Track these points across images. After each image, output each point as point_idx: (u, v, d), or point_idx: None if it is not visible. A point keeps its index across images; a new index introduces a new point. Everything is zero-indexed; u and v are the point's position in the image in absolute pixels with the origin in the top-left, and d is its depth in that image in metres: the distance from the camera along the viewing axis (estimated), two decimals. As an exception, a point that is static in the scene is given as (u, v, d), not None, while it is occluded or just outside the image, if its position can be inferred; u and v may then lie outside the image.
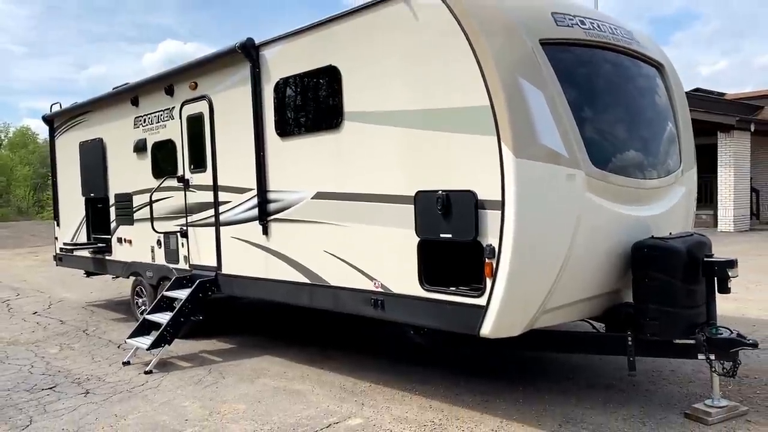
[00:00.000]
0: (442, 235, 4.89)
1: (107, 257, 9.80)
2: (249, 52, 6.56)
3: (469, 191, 4.68)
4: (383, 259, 5.42)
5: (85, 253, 10.36)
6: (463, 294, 4.81)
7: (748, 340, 4.72)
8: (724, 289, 4.81)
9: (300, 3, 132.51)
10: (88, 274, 11.22)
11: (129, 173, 9.01)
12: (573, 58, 5.04)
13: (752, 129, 19.85)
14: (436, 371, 6.36)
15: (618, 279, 5.13)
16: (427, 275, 5.08)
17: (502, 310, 4.57)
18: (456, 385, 5.89)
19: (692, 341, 4.79)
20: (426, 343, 6.23)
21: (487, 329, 4.65)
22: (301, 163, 6.20)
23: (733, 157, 19.64)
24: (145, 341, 7.11)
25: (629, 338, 4.97)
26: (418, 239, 5.06)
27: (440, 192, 4.85)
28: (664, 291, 4.77)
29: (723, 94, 27.51)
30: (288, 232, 6.39)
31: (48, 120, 11.26)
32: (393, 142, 5.27)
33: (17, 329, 9.59)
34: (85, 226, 10.33)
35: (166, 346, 7.11)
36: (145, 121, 8.60)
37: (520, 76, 4.54)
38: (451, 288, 4.92)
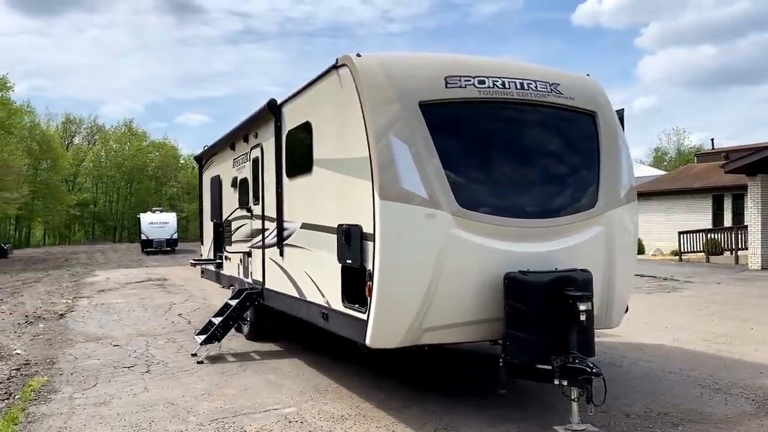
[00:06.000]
0: (347, 261, 5.99)
1: (220, 271, 12.02)
2: (273, 110, 8.17)
3: (358, 225, 5.75)
4: (327, 280, 6.61)
5: (212, 267, 12.73)
6: (358, 310, 5.85)
7: (593, 370, 5.10)
8: (576, 321, 5.23)
9: (521, 33, 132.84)
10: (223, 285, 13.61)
11: (229, 203, 11.13)
12: (455, 115, 5.84)
13: None
14: (385, 379, 7.41)
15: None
16: (347, 294, 6.17)
17: (376, 324, 5.54)
18: (388, 391, 6.85)
19: (549, 367, 5.29)
20: (368, 353, 7.21)
21: (368, 340, 5.64)
22: (296, 199, 7.62)
23: None
24: (203, 338, 8.98)
25: (500, 360, 5.58)
26: (340, 265, 6.19)
27: (344, 225, 5.97)
28: (520, 319, 5.36)
29: None
30: (291, 255, 7.82)
31: (198, 159, 14.01)
32: (332, 183, 6.48)
33: (156, 325, 12.18)
34: (212, 245, 12.73)
35: (217, 342, 8.90)
36: (237, 162, 10.65)
37: (391, 133, 5.53)
38: (355, 305, 5.96)
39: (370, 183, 5.53)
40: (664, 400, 6.34)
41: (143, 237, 42.54)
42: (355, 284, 5.96)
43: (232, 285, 11.15)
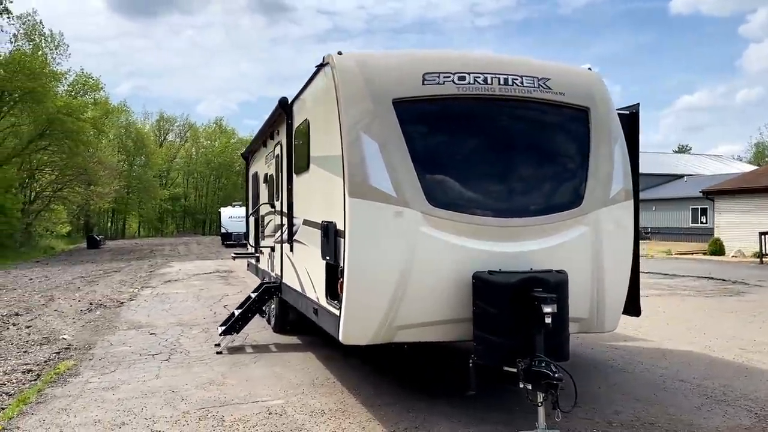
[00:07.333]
0: (327, 258, 6.04)
1: (258, 265, 12.35)
2: (284, 108, 8.32)
3: (332, 222, 5.79)
4: (316, 276, 6.69)
5: (253, 261, 13.09)
6: (335, 306, 5.90)
7: (555, 374, 4.92)
8: (541, 323, 5.05)
9: (613, 24, 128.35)
10: (267, 278, 13.99)
11: (263, 200, 11.40)
12: (431, 112, 5.76)
13: None
14: (381, 375, 7.41)
15: (483, 307, 5.62)
16: (329, 290, 6.23)
17: (346, 320, 5.58)
18: (380, 387, 6.84)
19: (515, 370, 5.15)
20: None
21: (341, 336, 5.69)
22: (300, 195, 7.74)
23: None
24: (222, 328, 9.27)
25: (471, 361, 5.47)
26: (324, 261, 6.26)
27: (324, 222, 6.03)
28: (486, 319, 5.24)
29: None
30: (297, 250, 7.95)
31: (244, 156, 14.42)
32: (321, 180, 6.55)
33: (198, 315, 12.65)
34: (253, 240, 13.08)
35: (235, 333, 9.18)
36: (267, 159, 10.90)
37: (362, 131, 5.54)
38: (334, 301, 6.02)
39: (342, 180, 5.56)
40: (658, 410, 6.03)
41: (223, 230, 44.27)
42: (334, 280, 6.02)
43: (264, 278, 11.43)
